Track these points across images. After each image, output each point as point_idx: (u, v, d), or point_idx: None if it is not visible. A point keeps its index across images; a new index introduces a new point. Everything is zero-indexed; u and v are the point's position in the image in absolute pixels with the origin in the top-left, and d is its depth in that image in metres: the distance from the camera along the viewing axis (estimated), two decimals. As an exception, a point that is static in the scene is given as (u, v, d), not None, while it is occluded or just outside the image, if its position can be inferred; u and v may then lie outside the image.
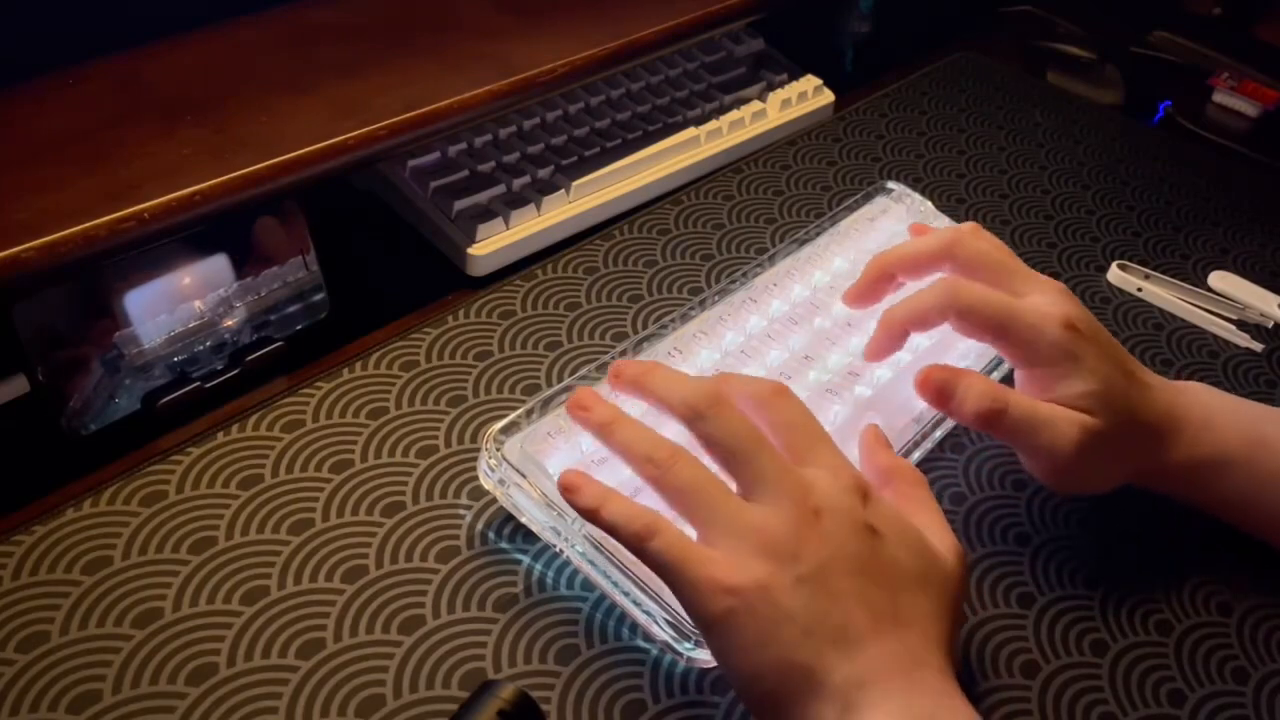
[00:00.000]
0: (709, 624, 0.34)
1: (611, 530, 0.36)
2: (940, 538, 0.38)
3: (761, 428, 0.38)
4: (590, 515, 0.37)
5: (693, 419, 0.37)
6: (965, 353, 0.50)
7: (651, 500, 0.37)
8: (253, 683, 0.37)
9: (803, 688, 0.33)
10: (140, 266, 0.46)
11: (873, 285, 0.47)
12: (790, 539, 0.34)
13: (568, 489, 0.37)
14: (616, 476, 0.41)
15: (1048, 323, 0.42)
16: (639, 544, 0.35)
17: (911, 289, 0.45)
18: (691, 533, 0.36)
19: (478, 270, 0.57)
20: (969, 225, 0.47)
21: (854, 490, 0.36)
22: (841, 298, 0.48)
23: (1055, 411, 0.42)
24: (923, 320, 0.44)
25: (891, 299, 0.47)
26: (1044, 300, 0.43)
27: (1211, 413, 0.44)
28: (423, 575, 0.41)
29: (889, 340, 0.45)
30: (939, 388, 0.42)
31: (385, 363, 0.50)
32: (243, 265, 0.49)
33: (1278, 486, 0.43)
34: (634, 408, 0.41)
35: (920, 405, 0.47)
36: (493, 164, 0.61)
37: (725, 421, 0.37)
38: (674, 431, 0.39)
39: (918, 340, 0.48)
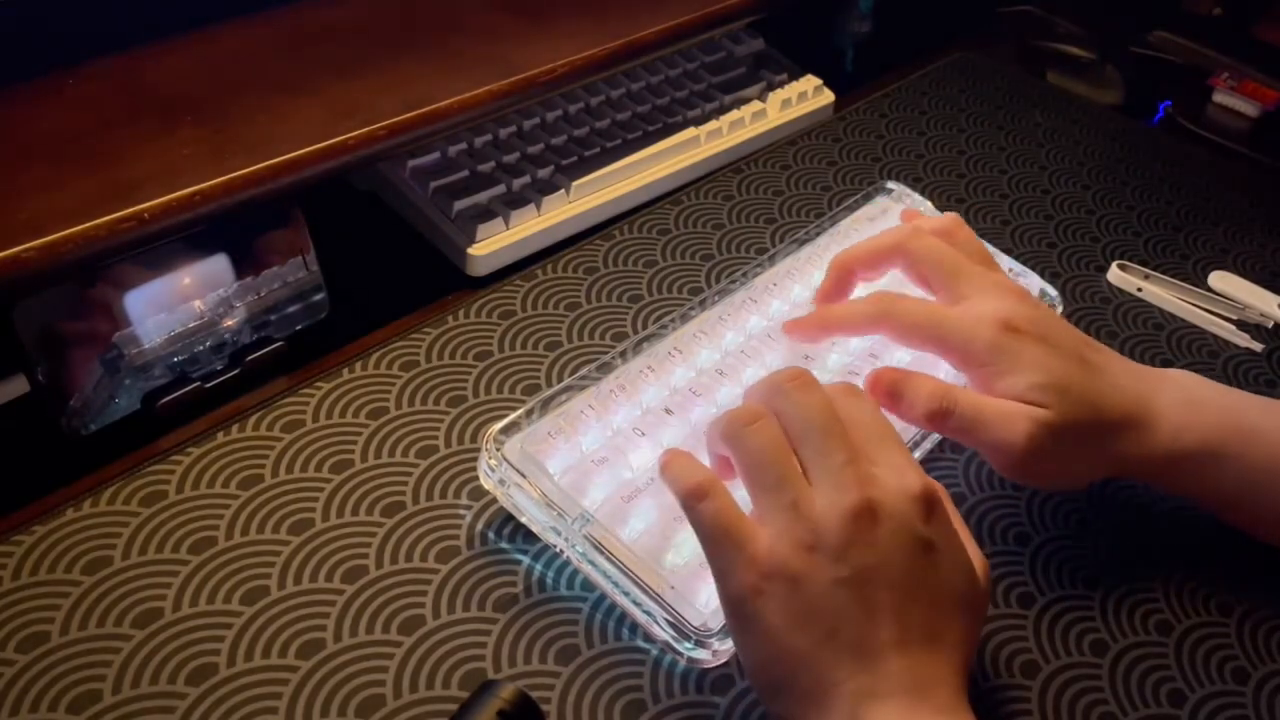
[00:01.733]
0: (736, 599, 0.34)
1: (670, 481, 0.36)
2: (974, 554, 0.37)
3: None
4: (662, 468, 0.37)
5: (773, 393, 0.37)
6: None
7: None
8: (253, 683, 0.37)
9: (814, 689, 0.33)
10: (140, 266, 0.46)
11: (838, 285, 0.47)
12: (840, 536, 0.33)
13: (663, 463, 0.37)
14: (618, 477, 0.41)
15: (980, 326, 0.42)
16: (690, 502, 0.35)
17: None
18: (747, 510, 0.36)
19: (478, 270, 0.57)
20: (942, 219, 0.47)
21: (919, 500, 0.35)
22: (814, 299, 0.48)
23: (1004, 406, 0.41)
24: (856, 329, 0.45)
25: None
26: (981, 303, 0.43)
27: (1195, 402, 0.44)
28: (423, 575, 0.41)
29: (825, 338, 0.46)
30: (888, 390, 0.42)
31: (385, 363, 0.50)
32: (243, 265, 0.49)
33: (1268, 479, 0.43)
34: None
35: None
36: (493, 164, 0.61)
37: (806, 398, 0.36)
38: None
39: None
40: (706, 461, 0.38)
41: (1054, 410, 0.41)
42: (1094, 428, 0.42)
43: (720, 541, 0.34)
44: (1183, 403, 0.43)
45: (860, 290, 0.47)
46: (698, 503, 0.35)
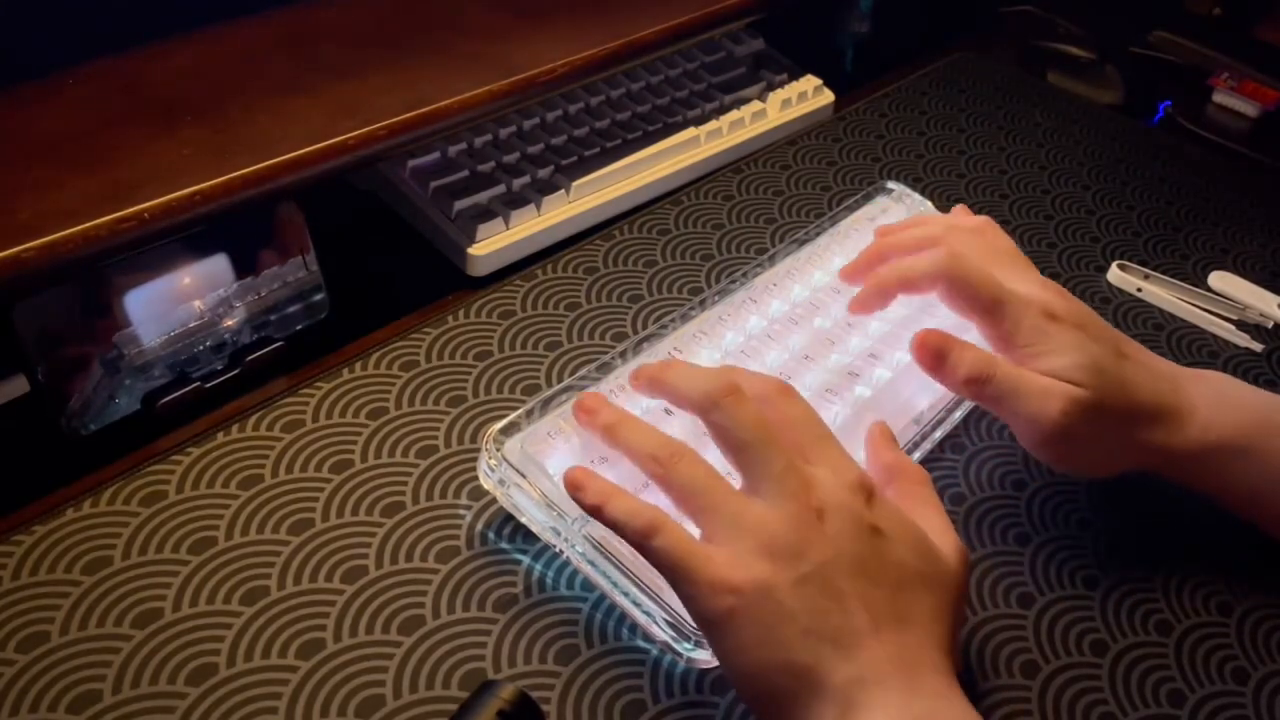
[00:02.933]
0: (710, 622, 0.34)
1: (615, 527, 0.36)
2: (943, 536, 0.38)
3: None
4: (594, 512, 0.37)
5: (708, 408, 0.37)
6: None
7: (656, 499, 0.37)
8: (253, 683, 0.37)
9: (802, 688, 0.33)
10: (140, 266, 0.46)
11: (871, 265, 0.48)
12: (792, 538, 0.34)
13: (572, 485, 0.37)
14: (618, 478, 0.41)
15: (1030, 308, 0.43)
16: (642, 541, 0.35)
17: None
18: (696, 532, 0.36)
19: (478, 270, 0.57)
20: (978, 220, 0.48)
21: (858, 489, 0.36)
22: (839, 272, 0.50)
23: (1042, 380, 0.42)
24: (913, 284, 0.45)
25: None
26: (1031, 289, 0.44)
27: (1227, 398, 0.44)
28: (423, 575, 0.41)
29: (877, 298, 0.47)
30: (935, 351, 0.43)
31: (385, 363, 0.50)
32: (243, 265, 0.49)
33: None
34: (636, 409, 0.41)
35: (920, 406, 0.47)
36: (493, 164, 0.61)
37: (739, 412, 0.37)
38: (678, 432, 0.39)
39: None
40: (628, 461, 0.39)
41: (1090, 390, 0.41)
42: (1126, 413, 0.43)
43: (683, 569, 0.34)
44: (1214, 397, 0.44)
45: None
46: (649, 540, 0.35)
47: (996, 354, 0.44)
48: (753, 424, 0.36)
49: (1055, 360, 0.42)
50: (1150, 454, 0.44)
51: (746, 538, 0.34)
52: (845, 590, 0.34)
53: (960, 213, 0.52)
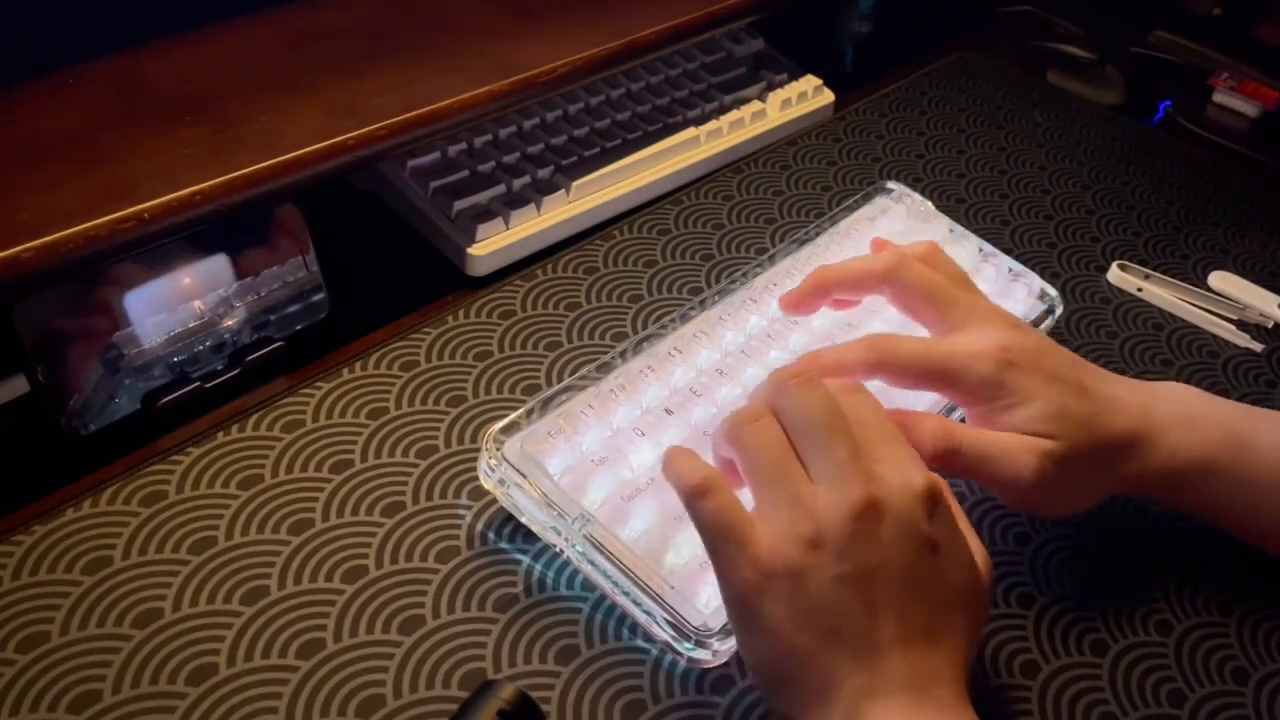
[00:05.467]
0: (735, 597, 0.34)
1: (673, 478, 0.36)
2: (977, 550, 0.37)
3: None
4: (664, 464, 0.37)
5: (776, 390, 0.36)
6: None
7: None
8: (253, 683, 0.37)
9: (814, 685, 0.33)
10: (140, 266, 0.46)
11: (808, 297, 0.46)
12: (841, 533, 0.33)
13: (667, 458, 0.37)
14: (618, 477, 0.41)
15: (977, 360, 0.41)
16: (692, 499, 0.35)
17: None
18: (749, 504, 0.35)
19: (478, 270, 0.57)
20: (920, 246, 0.46)
21: (922, 498, 0.34)
22: (778, 300, 0.47)
23: (1010, 441, 0.41)
24: (848, 373, 0.42)
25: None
26: (976, 335, 0.42)
27: (1192, 416, 0.44)
28: (423, 575, 0.41)
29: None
30: None
31: (385, 363, 0.50)
32: (243, 265, 0.49)
33: (1259, 489, 0.43)
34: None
35: (919, 407, 0.47)
36: (493, 164, 0.61)
37: (808, 395, 0.36)
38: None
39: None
40: (713, 463, 0.38)
41: (1059, 440, 0.40)
42: (1097, 453, 0.42)
43: (722, 539, 0.34)
44: (1180, 418, 0.43)
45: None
46: (699, 500, 0.35)
47: (952, 421, 0.42)
48: (821, 408, 0.35)
49: (1019, 414, 0.41)
50: (1125, 483, 0.43)
51: (796, 520, 0.33)
52: (881, 599, 0.33)
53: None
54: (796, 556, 0.33)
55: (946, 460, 0.41)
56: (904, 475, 0.35)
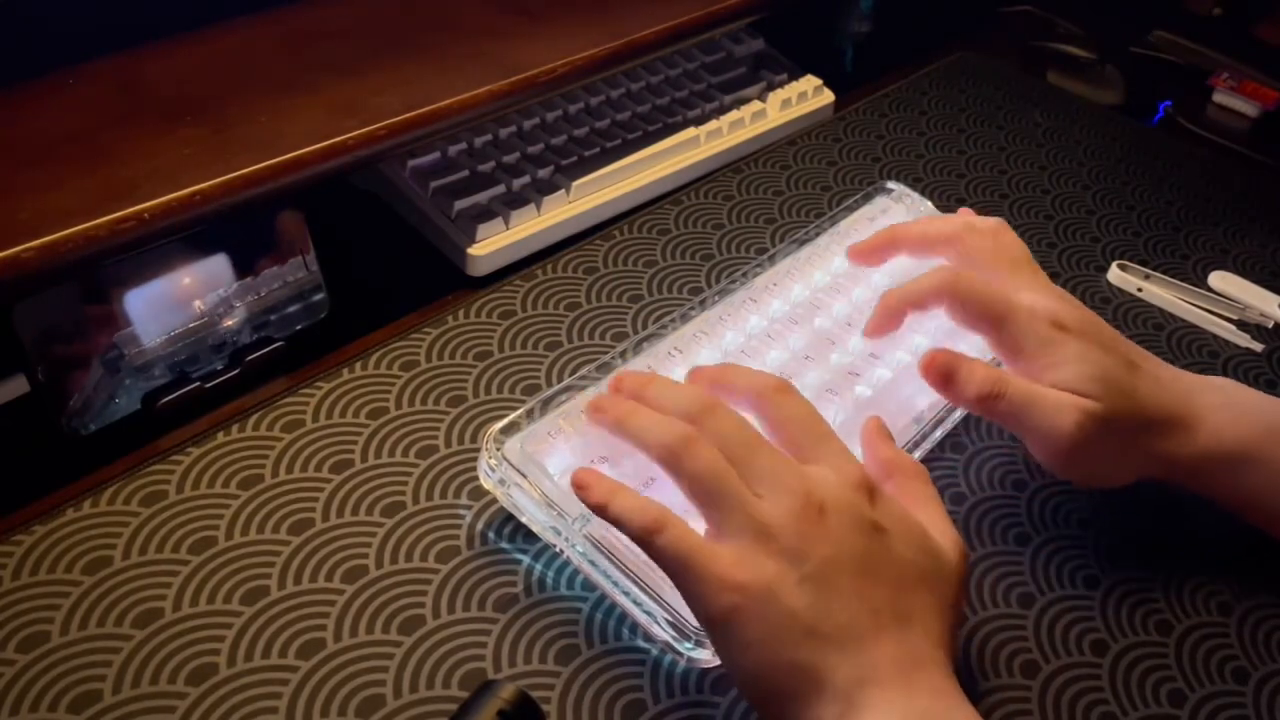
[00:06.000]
0: (713, 621, 0.34)
1: (620, 524, 0.36)
2: (942, 532, 0.38)
3: (764, 424, 0.38)
4: (600, 509, 0.37)
5: (695, 412, 0.37)
6: (966, 351, 0.50)
7: (660, 498, 0.37)
8: (253, 683, 0.37)
9: (805, 687, 0.33)
10: (140, 266, 0.46)
11: (877, 249, 0.49)
12: (795, 537, 0.34)
13: (579, 486, 0.37)
14: (618, 477, 0.41)
15: (1037, 319, 0.43)
16: (647, 538, 0.35)
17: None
18: (700, 528, 0.36)
19: (478, 270, 0.57)
20: (990, 221, 0.48)
21: (859, 487, 0.36)
22: (848, 249, 0.50)
23: (1053, 395, 0.42)
24: (920, 303, 0.45)
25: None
26: (1038, 296, 0.44)
27: (1235, 406, 0.44)
28: (423, 575, 0.41)
29: (886, 319, 0.46)
30: (943, 371, 0.43)
31: (385, 363, 0.50)
32: (243, 265, 0.49)
33: None
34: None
35: (920, 405, 0.47)
36: (493, 164, 0.61)
37: (719, 424, 0.37)
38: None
39: (918, 341, 0.48)
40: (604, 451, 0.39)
41: (1102, 402, 0.41)
42: (1139, 424, 0.43)
43: (687, 566, 0.34)
44: (1223, 406, 0.44)
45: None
46: (655, 537, 0.35)
47: (1005, 368, 0.43)
48: (736, 433, 0.36)
49: (1065, 371, 0.42)
50: (1160, 463, 0.44)
51: (752, 536, 0.34)
52: (847, 589, 0.34)
53: (967, 214, 0.52)
54: (760, 569, 0.34)
55: (990, 404, 0.42)
56: (838, 470, 0.36)
